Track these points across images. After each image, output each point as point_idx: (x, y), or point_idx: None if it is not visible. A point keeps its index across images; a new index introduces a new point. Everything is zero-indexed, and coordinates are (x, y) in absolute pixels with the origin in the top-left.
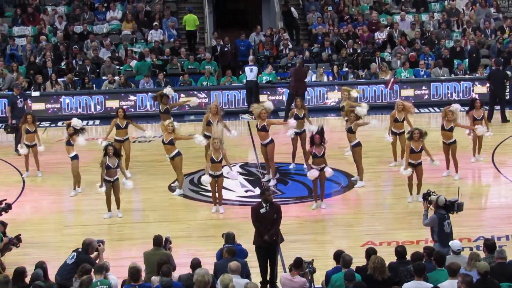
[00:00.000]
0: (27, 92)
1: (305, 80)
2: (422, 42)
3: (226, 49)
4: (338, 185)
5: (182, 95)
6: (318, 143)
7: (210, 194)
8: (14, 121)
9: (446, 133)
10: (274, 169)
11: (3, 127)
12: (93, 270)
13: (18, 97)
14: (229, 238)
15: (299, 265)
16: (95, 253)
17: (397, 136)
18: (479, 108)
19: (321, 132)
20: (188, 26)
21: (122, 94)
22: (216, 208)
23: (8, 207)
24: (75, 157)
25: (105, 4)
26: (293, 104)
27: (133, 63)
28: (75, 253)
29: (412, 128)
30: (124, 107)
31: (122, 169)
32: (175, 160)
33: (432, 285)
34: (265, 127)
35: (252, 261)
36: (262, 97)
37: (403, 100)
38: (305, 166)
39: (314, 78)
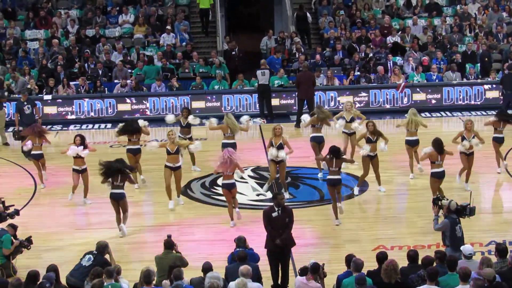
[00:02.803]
0: (39, 95)
1: (313, 85)
2: (435, 46)
3: (233, 53)
4: (349, 190)
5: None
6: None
7: (221, 197)
8: (21, 128)
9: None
10: (285, 185)
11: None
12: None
13: (25, 103)
14: (241, 242)
15: (315, 270)
16: (107, 254)
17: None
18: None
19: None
20: (202, 4)
21: (134, 98)
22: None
23: (16, 213)
24: (85, 170)
25: (118, 8)
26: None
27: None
28: (91, 256)
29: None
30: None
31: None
32: (178, 172)
33: None
34: (282, 145)
35: (264, 265)
36: (274, 101)
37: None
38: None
39: (325, 82)
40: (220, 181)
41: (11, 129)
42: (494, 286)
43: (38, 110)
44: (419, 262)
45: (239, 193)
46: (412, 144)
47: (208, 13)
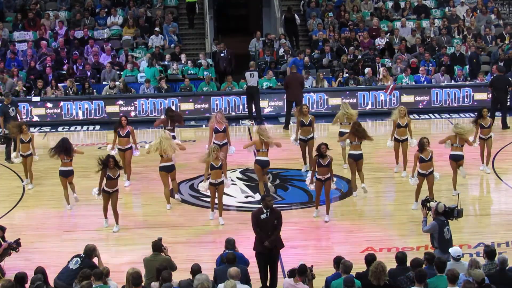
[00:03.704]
0: (28, 97)
1: (301, 86)
2: (423, 48)
3: (222, 54)
4: (338, 191)
5: (190, 100)
6: (324, 152)
7: (210, 199)
8: (7, 131)
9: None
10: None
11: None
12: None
13: (9, 106)
14: (230, 244)
15: (303, 272)
16: (95, 258)
17: (400, 143)
18: (486, 116)
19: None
20: None
21: (123, 100)
22: (214, 215)
23: (18, 245)
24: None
25: (106, 10)
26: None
27: (142, 68)
28: (78, 259)
29: (421, 138)
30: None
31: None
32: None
33: None
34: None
35: (252, 267)
36: (263, 103)
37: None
38: (309, 175)
39: (314, 84)
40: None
41: None
42: None
43: (20, 111)
44: (408, 264)
45: (228, 195)
46: (400, 142)
47: (195, 7)
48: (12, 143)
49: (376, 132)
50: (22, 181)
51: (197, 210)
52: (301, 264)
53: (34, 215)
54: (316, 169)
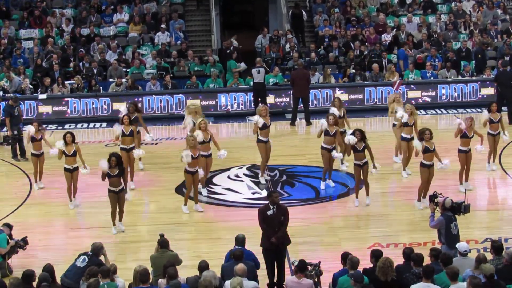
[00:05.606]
0: (34, 94)
1: (307, 82)
2: (430, 43)
3: (228, 51)
4: (345, 188)
5: (190, 97)
6: (358, 138)
7: (218, 196)
8: (15, 132)
9: (468, 140)
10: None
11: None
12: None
13: (14, 106)
14: (238, 241)
15: (303, 268)
16: (102, 256)
17: (407, 142)
18: (495, 111)
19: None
20: None
21: (129, 97)
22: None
23: (25, 243)
24: (77, 169)
25: (112, 7)
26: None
27: (149, 65)
28: (85, 257)
29: (422, 129)
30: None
31: (125, 181)
32: (210, 158)
33: (439, 287)
34: (266, 125)
35: (260, 263)
36: (269, 99)
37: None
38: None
39: (321, 80)
40: (215, 180)
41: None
42: (491, 283)
43: (21, 110)
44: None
45: (235, 191)
46: (408, 140)
47: None
48: (17, 144)
49: (382, 128)
50: (30, 181)
51: (205, 207)
52: (300, 260)
53: (41, 213)
54: (353, 155)
